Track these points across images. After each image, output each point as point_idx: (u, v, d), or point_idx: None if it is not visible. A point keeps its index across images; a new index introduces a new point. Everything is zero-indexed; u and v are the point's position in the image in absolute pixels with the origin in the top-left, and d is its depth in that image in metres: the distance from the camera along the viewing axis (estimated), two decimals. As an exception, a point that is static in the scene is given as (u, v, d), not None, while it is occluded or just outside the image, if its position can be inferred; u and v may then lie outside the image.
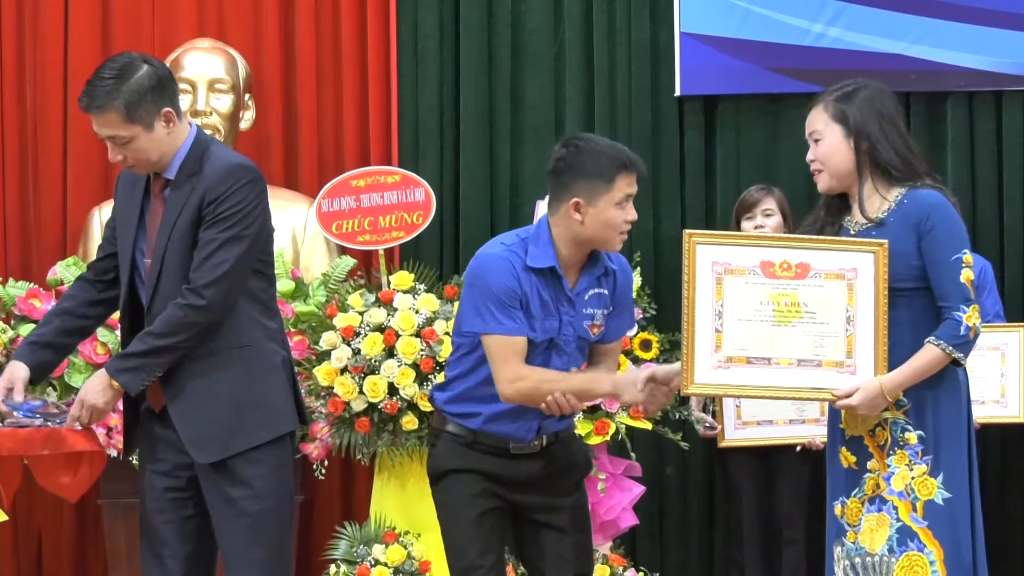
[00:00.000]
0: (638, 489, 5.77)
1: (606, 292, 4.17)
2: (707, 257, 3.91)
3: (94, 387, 4.09)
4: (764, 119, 6.63)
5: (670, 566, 6.52)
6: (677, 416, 5.72)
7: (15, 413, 4.31)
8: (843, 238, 3.99)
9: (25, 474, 5.57)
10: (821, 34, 6.49)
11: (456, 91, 6.62)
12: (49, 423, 4.37)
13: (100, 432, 5.41)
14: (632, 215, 4.08)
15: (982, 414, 5.70)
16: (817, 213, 4.17)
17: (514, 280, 4.06)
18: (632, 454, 5.70)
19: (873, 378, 3.91)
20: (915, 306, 3.96)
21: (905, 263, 3.94)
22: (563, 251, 4.10)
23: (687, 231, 3.96)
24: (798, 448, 5.61)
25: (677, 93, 6.55)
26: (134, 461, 5.45)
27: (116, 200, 4.26)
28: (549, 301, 4.09)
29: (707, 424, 5.72)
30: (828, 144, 4.05)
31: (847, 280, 3.89)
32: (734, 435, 5.68)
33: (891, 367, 3.94)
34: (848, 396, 3.91)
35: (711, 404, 5.72)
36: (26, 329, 5.54)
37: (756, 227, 5.77)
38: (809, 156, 4.11)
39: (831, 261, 3.90)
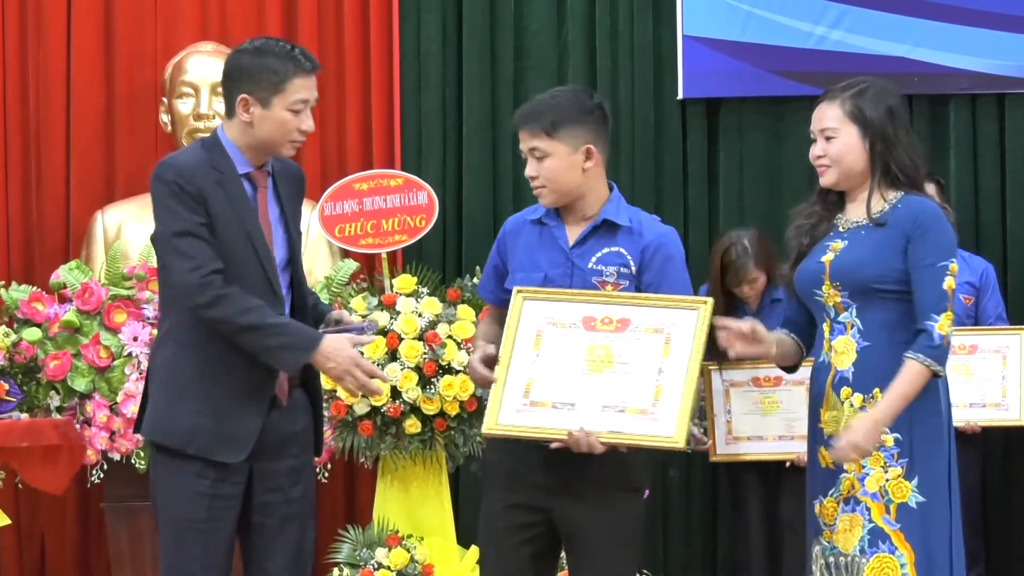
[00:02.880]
0: (641, 492, 5.76)
1: (624, 251, 4.04)
2: (533, 311, 3.98)
3: None
4: (767, 122, 6.62)
5: (673, 568, 6.52)
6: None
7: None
8: (673, 296, 4.00)
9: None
10: (824, 37, 6.49)
11: (459, 93, 6.63)
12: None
13: (103, 436, 5.41)
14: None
15: (982, 417, 5.70)
16: (812, 208, 4.11)
17: (504, 233, 4.16)
18: (635, 457, 5.69)
19: (863, 414, 3.89)
20: (891, 309, 3.91)
21: (889, 265, 3.92)
22: (552, 205, 4.07)
23: (516, 287, 4.00)
24: (787, 464, 5.56)
25: (680, 96, 6.56)
26: (137, 465, 5.48)
27: (210, 199, 3.92)
28: (539, 254, 4.07)
29: (697, 439, 5.67)
30: (843, 143, 3.97)
31: (665, 334, 3.93)
32: (725, 450, 5.64)
33: (864, 366, 3.92)
34: (838, 445, 3.86)
35: (702, 419, 5.67)
36: (29, 333, 5.53)
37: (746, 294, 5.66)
38: (817, 151, 4.02)
39: (653, 317, 3.94)
